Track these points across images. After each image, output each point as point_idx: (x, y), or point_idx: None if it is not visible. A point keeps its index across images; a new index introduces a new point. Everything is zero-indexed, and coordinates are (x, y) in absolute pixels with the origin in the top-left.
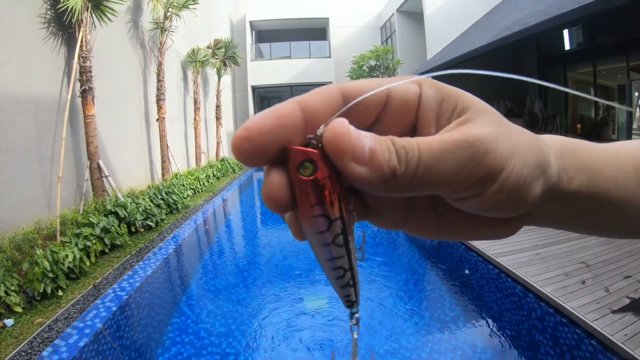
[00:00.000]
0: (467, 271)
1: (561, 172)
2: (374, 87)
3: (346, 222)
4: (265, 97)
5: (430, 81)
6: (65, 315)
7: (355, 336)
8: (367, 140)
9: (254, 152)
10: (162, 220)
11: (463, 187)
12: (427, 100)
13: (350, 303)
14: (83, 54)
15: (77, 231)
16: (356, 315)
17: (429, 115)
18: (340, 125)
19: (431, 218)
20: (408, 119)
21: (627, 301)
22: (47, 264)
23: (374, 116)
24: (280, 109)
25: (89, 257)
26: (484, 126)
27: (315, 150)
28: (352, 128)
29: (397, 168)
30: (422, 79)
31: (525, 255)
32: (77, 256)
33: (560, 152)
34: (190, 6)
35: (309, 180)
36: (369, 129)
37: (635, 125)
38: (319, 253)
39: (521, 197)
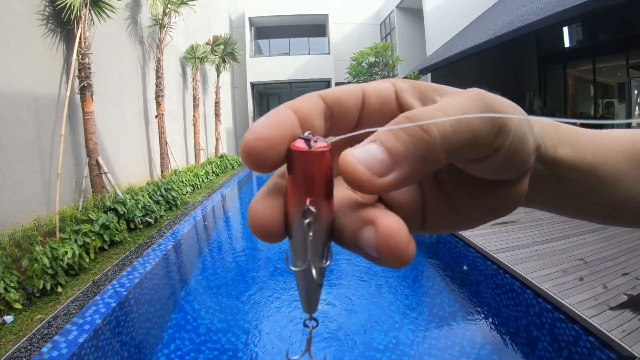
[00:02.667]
0: (465, 267)
1: (544, 138)
2: (348, 91)
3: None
4: (265, 93)
5: (402, 79)
6: (65, 312)
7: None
8: (376, 145)
9: (265, 152)
10: (161, 216)
11: (487, 141)
12: (406, 90)
13: (310, 308)
14: (82, 51)
15: (77, 228)
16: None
17: (413, 99)
18: (345, 155)
19: (444, 208)
20: (389, 113)
21: (625, 298)
22: (46, 261)
23: (355, 117)
24: (275, 111)
25: (88, 253)
26: (476, 90)
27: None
28: (352, 151)
29: (427, 139)
30: (393, 79)
31: (524, 251)
32: (77, 253)
33: (540, 122)
34: (189, 2)
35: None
36: (353, 129)
37: (634, 123)
38: (299, 249)
39: (524, 148)
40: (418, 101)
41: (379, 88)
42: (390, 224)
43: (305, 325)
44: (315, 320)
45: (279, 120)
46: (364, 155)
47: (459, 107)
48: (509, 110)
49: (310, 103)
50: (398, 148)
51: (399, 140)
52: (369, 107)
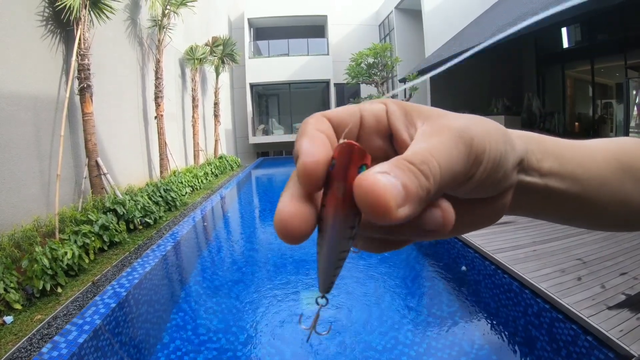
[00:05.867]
0: (464, 268)
1: (529, 153)
2: (348, 112)
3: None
4: (264, 94)
5: (392, 100)
6: (65, 312)
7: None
8: (394, 178)
9: (319, 173)
10: (160, 217)
11: (464, 174)
12: (395, 113)
13: (328, 289)
14: (81, 52)
15: (76, 229)
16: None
17: (400, 124)
18: (375, 179)
19: None
20: (383, 130)
21: (623, 298)
22: (46, 261)
23: (355, 135)
24: (311, 135)
25: (87, 254)
26: (455, 120)
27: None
28: (376, 175)
29: (429, 186)
30: (385, 100)
31: (522, 251)
32: (76, 253)
33: (525, 137)
34: (189, 3)
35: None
36: None
37: (632, 124)
38: (339, 246)
39: (497, 173)
40: (404, 126)
41: (374, 109)
42: (449, 206)
43: (317, 303)
44: (326, 299)
45: (323, 143)
46: (389, 181)
47: (447, 152)
48: (487, 138)
49: (322, 124)
50: (411, 187)
51: (410, 180)
52: (367, 126)
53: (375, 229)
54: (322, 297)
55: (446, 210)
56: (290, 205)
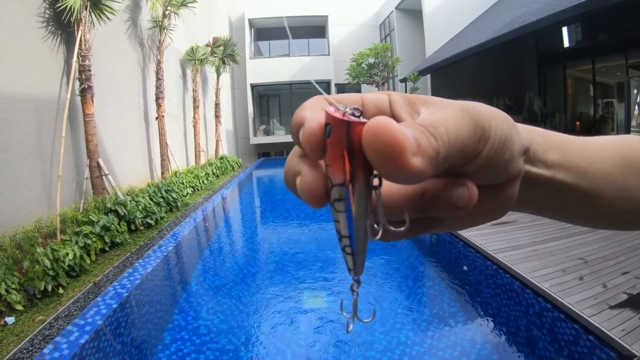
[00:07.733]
0: (465, 267)
1: (534, 144)
2: (349, 98)
3: (354, 191)
4: (264, 95)
5: (397, 92)
6: (66, 313)
7: (355, 298)
8: (407, 129)
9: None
10: (161, 218)
11: (472, 148)
12: (398, 102)
13: (348, 270)
14: (82, 53)
15: (78, 229)
16: (356, 283)
17: (404, 112)
18: (388, 121)
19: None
20: None
21: (625, 297)
22: (47, 262)
23: None
24: (312, 106)
25: (89, 255)
26: (459, 102)
27: (336, 116)
28: (388, 119)
29: (437, 146)
30: (389, 91)
31: (523, 251)
32: (78, 254)
33: (530, 130)
34: (189, 4)
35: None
36: None
37: (634, 123)
38: (333, 212)
39: (505, 152)
40: (408, 114)
41: (377, 98)
42: (473, 185)
43: (353, 289)
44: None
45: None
46: (402, 127)
47: (454, 120)
48: (492, 118)
49: (322, 106)
50: (423, 141)
51: (421, 136)
52: (368, 114)
53: (410, 205)
54: (355, 281)
55: (471, 187)
56: (311, 171)
